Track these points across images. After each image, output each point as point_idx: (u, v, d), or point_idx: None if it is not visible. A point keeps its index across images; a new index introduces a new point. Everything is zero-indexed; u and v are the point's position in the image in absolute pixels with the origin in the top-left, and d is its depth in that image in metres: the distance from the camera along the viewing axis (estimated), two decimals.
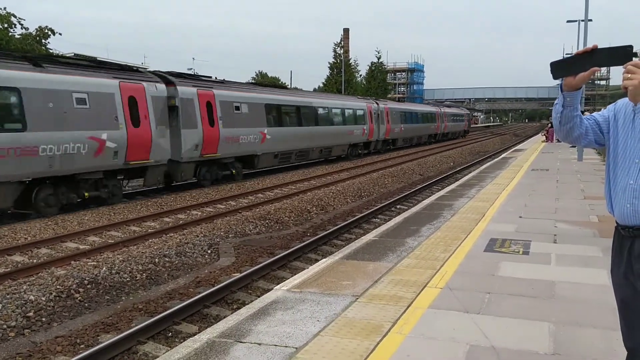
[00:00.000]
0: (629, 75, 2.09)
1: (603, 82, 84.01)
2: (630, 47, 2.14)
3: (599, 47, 2.19)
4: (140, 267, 8.41)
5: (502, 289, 5.09)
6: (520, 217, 8.76)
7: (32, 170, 11.80)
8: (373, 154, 32.31)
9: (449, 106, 56.48)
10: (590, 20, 24.15)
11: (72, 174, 12.89)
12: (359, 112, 29.10)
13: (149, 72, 16.58)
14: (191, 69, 70.95)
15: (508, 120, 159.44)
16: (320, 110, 25.44)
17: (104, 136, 13.44)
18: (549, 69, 2.29)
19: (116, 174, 14.56)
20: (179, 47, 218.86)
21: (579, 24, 35.38)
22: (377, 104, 32.89)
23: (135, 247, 9.54)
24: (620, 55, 2.15)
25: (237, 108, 19.04)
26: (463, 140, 51.76)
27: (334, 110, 26.54)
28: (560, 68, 2.28)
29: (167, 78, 16.25)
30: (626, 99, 2.32)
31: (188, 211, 13.10)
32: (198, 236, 10.29)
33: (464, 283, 5.29)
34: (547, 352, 3.73)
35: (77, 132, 12.76)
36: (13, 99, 11.65)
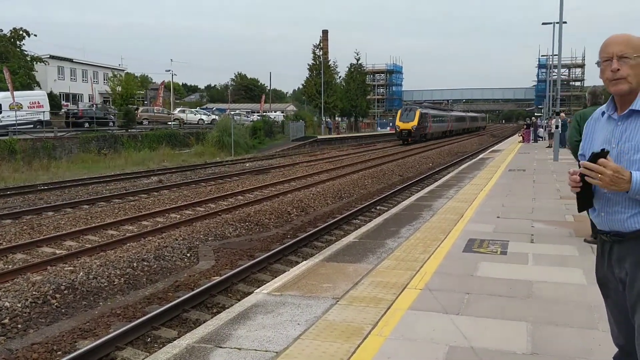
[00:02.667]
0: (600, 175, 2.16)
1: (578, 83, 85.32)
2: (605, 151, 2.22)
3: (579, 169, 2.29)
4: (118, 272, 8.31)
5: (480, 290, 5.14)
6: (498, 217, 8.85)
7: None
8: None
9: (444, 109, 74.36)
10: (565, 22, 24.58)
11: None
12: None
13: (414, 104, 57.40)
14: (169, 70, 70.45)
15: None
16: (456, 116, 67.45)
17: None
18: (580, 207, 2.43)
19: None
20: (157, 49, 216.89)
21: (553, 26, 35.99)
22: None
23: (113, 251, 9.42)
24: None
25: (434, 117, 53.70)
26: (442, 141, 52.59)
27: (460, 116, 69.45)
28: (585, 203, 2.39)
29: (423, 109, 50.62)
30: (593, 116, 2.49)
31: (167, 214, 12.98)
32: (177, 239, 10.20)
33: (443, 284, 5.33)
34: (525, 351, 3.78)
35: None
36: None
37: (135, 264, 8.71)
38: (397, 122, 47.94)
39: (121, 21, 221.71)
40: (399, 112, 49.58)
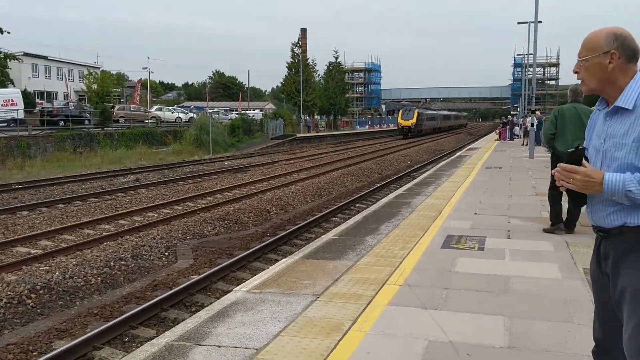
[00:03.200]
0: (572, 179, 2.17)
1: (553, 82, 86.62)
2: (580, 148, 2.23)
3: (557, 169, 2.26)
4: (95, 271, 8.21)
5: (458, 285, 5.20)
6: (476, 213, 8.96)
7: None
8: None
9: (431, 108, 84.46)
10: (540, 22, 24.94)
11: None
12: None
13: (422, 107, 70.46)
14: (146, 68, 69.58)
15: None
16: (443, 115, 76.93)
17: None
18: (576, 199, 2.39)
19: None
20: (134, 46, 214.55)
21: (529, 25, 36.48)
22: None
23: (89, 250, 9.30)
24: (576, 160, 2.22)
25: (427, 115, 63.88)
26: (422, 139, 53.17)
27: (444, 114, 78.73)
28: (578, 199, 2.36)
29: (419, 109, 61.04)
30: (592, 115, 2.47)
31: (144, 213, 12.85)
32: (155, 238, 10.11)
33: (422, 280, 5.37)
34: (503, 345, 3.83)
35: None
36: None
37: (112, 263, 8.61)
38: (399, 120, 58.08)
39: (97, 17, 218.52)
40: (400, 111, 60.47)
